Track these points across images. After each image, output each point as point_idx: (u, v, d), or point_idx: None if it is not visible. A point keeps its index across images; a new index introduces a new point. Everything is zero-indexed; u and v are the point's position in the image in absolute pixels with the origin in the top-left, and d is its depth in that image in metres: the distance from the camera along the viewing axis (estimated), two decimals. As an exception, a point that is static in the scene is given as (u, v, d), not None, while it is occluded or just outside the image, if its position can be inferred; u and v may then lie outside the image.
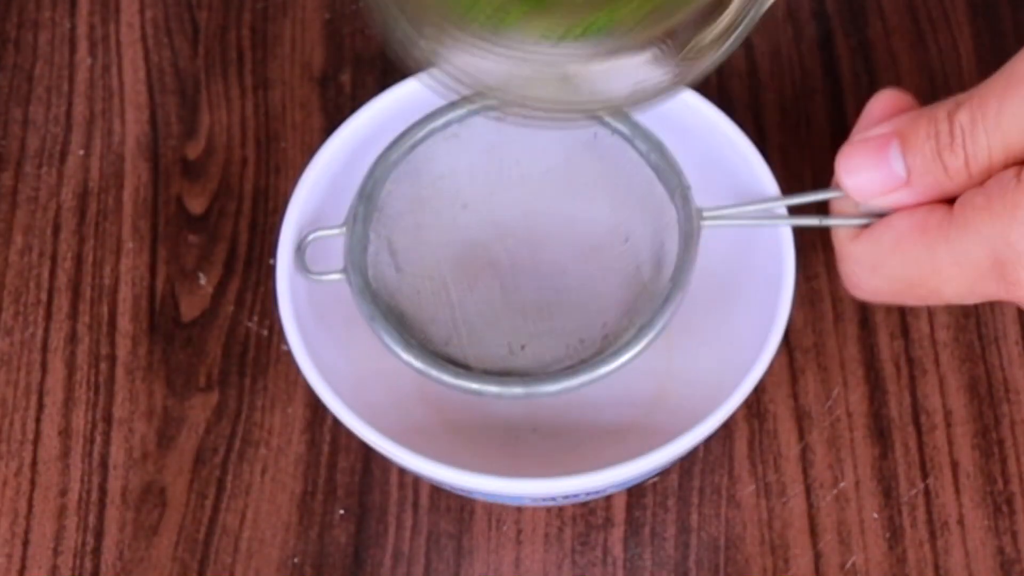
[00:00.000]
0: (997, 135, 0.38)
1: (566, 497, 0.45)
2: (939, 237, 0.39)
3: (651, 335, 0.41)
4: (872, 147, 0.40)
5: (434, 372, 0.41)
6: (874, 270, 0.41)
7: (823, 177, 0.55)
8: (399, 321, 0.42)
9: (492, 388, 0.41)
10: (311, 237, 0.43)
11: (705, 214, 0.42)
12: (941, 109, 0.39)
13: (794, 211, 0.44)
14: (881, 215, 0.41)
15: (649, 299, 0.43)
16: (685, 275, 0.41)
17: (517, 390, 0.41)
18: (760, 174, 0.45)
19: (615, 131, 0.43)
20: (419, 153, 0.43)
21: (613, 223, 0.45)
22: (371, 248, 0.43)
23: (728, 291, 0.48)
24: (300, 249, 0.43)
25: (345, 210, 0.43)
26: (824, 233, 0.54)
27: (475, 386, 0.41)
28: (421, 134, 0.43)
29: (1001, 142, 0.38)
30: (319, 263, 0.43)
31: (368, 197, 0.43)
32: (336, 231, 0.43)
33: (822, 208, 0.43)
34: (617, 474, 0.42)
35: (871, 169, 0.40)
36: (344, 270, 0.42)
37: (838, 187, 0.41)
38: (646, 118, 0.44)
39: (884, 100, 0.42)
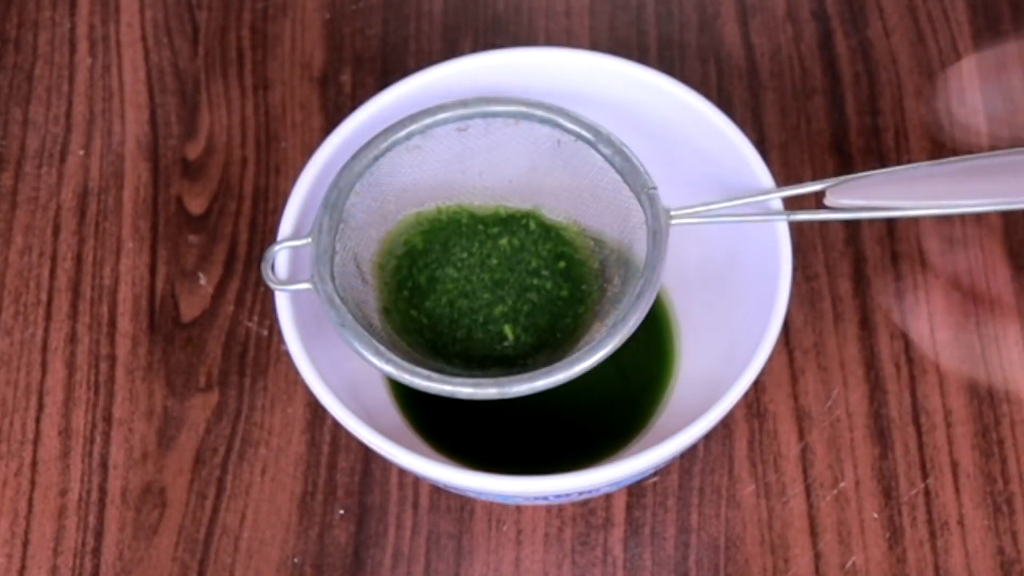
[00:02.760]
0: None
1: (560, 496, 0.45)
2: None
3: (623, 333, 0.41)
4: None
5: (407, 376, 0.41)
6: None
7: (823, 178, 0.55)
8: (368, 328, 0.42)
9: (465, 390, 0.41)
10: (277, 248, 0.43)
11: (673, 213, 0.42)
12: None
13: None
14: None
15: (618, 300, 0.43)
16: (655, 273, 0.41)
17: (491, 391, 0.41)
18: (756, 169, 0.45)
19: (578, 137, 0.43)
20: (382, 165, 0.44)
21: (580, 228, 0.46)
22: (337, 258, 0.43)
23: (726, 289, 0.48)
24: (265, 260, 0.43)
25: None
26: (824, 233, 0.54)
27: (448, 388, 0.41)
28: (384, 145, 0.43)
29: None
30: (301, 272, 0.43)
31: (332, 207, 0.43)
32: (303, 242, 0.43)
33: (804, 204, 0.43)
34: (615, 472, 0.42)
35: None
36: (311, 279, 0.42)
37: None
38: (631, 118, 0.45)
39: None
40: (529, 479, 0.41)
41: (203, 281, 0.54)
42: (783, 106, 0.56)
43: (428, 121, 0.44)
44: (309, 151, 0.47)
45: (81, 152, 0.56)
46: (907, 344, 0.52)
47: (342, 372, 0.45)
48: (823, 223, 0.54)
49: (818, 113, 0.56)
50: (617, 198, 0.44)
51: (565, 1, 0.59)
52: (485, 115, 0.44)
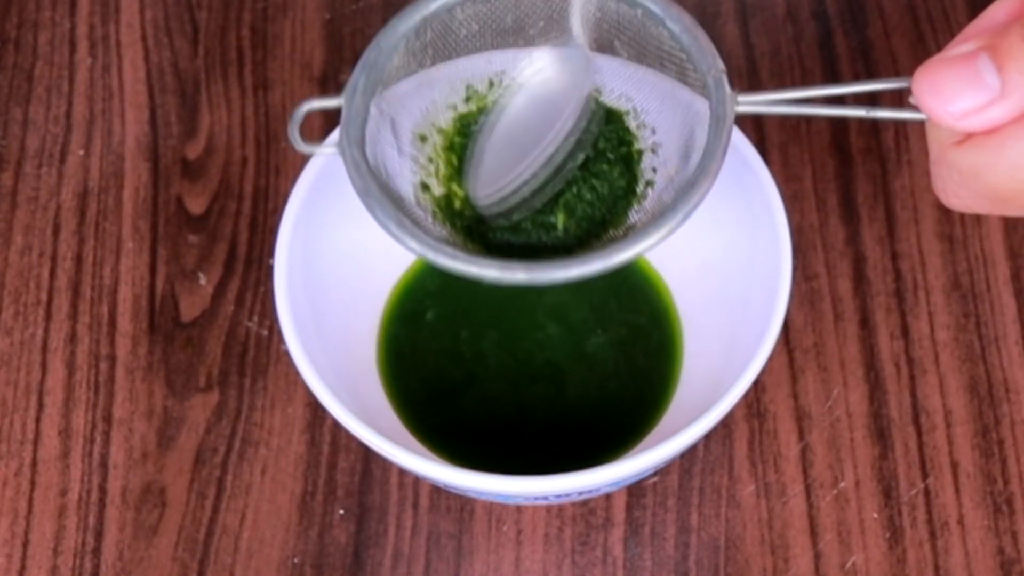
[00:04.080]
0: None
1: (560, 496, 0.45)
2: None
3: (669, 225, 0.37)
4: (956, 62, 0.35)
5: (430, 254, 0.37)
6: (976, 179, 0.36)
7: (823, 178, 0.55)
8: (395, 202, 0.38)
9: (492, 272, 0.37)
10: (306, 107, 0.40)
11: (740, 99, 0.38)
12: None
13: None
14: None
15: (674, 189, 0.39)
16: (713, 162, 0.37)
17: (519, 275, 0.37)
18: (757, 170, 0.45)
19: (645, 11, 0.39)
20: (433, 26, 0.40)
21: (639, 113, 0.42)
22: (371, 123, 0.39)
23: (727, 290, 0.48)
24: (293, 120, 0.39)
25: (345, 206, 0.42)
26: (824, 233, 0.54)
27: (474, 269, 0.37)
28: (436, 6, 0.39)
29: None
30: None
31: (371, 68, 0.39)
32: (335, 102, 0.39)
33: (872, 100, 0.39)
34: (615, 472, 0.42)
35: (956, 81, 0.34)
36: (338, 143, 0.39)
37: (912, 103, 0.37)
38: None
39: (1004, 7, 0.36)
40: (529, 479, 0.41)
41: (203, 281, 0.54)
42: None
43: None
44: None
45: (81, 152, 0.56)
46: (907, 344, 0.52)
47: (342, 372, 0.45)
48: None
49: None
50: (680, 81, 0.40)
51: (565, 1, 0.59)
52: None
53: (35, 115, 0.57)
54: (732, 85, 0.38)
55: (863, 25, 0.58)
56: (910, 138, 0.56)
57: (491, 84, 0.43)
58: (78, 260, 0.54)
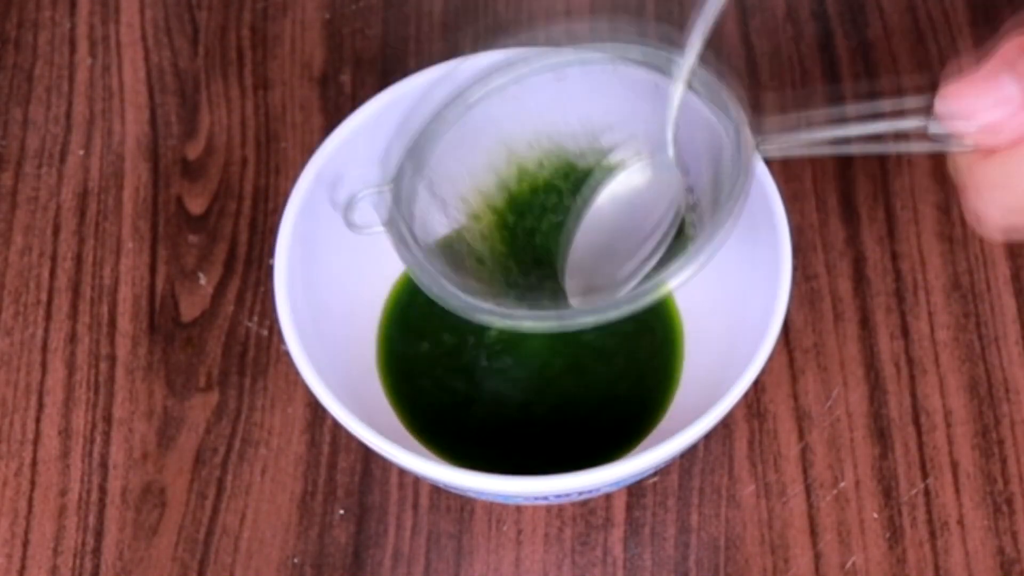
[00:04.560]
0: None
1: (560, 496, 0.45)
2: None
3: (687, 272, 0.40)
4: (979, 80, 0.36)
5: (471, 311, 0.41)
6: (1006, 191, 0.37)
7: (823, 178, 0.55)
8: (437, 266, 0.42)
9: (527, 323, 0.40)
10: (359, 195, 0.43)
11: (760, 148, 0.41)
12: None
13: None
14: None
15: (694, 241, 0.41)
16: (729, 213, 0.40)
17: (551, 323, 0.40)
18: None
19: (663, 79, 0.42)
20: (475, 114, 0.43)
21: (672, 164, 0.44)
22: (419, 203, 0.42)
23: (727, 289, 0.48)
24: (349, 207, 0.43)
25: (346, 201, 0.44)
26: (824, 233, 0.54)
27: (510, 322, 0.40)
28: (478, 96, 0.43)
29: None
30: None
31: (416, 158, 0.42)
32: (378, 189, 0.43)
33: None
34: (615, 472, 0.42)
35: (981, 98, 0.36)
36: (387, 223, 0.42)
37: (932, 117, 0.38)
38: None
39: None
40: (529, 479, 0.41)
41: (203, 281, 0.54)
42: (783, 106, 0.56)
43: (525, 71, 0.43)
44: (309, 151, 0.47)
45: (81, 152, 0.56)
46: (907, 344, 0.52)
47: (342, 372, 0.45)
48: None
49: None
50: (707, 135, 0.42)
51: (565, 1, 0.59)
52: (583, 62, 0.43)
53: (35, 115, 0.57)
54: (754, 128, 0.40)
55: (863, 25, 0.58)
56: (910, 138, 0.56)
57: (541, 164, 0.46)
58: (78, 260, 0.54)
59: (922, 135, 0.39)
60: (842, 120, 0.40)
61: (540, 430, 0.49)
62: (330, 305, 0.47)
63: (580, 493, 0.44)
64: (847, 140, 0.40)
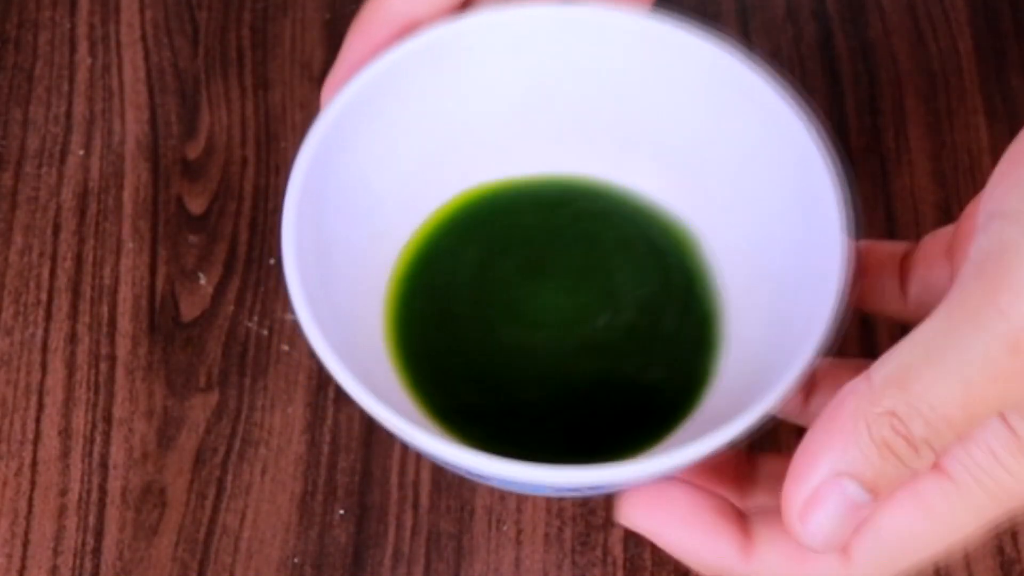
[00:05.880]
0: (953, 417, 0.34)
1: (575, 490, 0.43)
2: (945, 505, 0.36)
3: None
4: (824, 497, 0.36)
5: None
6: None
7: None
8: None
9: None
10: None
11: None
12: (883, 427, 0.35)
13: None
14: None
15: None
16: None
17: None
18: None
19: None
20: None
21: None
22: None
23: (774, 274, 0.46)
24: None
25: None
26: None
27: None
28: None
29: (961, 415, 0.34)
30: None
31: None
32: None
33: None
34: (651, 466, 0.38)
35: (837, 519, 0.36)
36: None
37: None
38: None
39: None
40: (557, 470, 0.38)
41: (203, 281, 0.54)
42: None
43: None
44: (309, 151, 0.46)
45: (81, 152, 0.56)
46: (907, 344, 0.52)
47: (352, 350, 0.42)
48: None
49: (818, 113, 0.56)
50: None
51: (565, 1, 0.59)
52: None
53: (35, 115, 0.57)
54: None
55: (863, 25, 0.58)
56: (910, 138, 0.56)
57: None
58: (78, 260, 0.54)
59: None
60: None
61: (557, 413, 0.46)
62: (340, 282, 0.44)
63: (592, 488, 0.42)
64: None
